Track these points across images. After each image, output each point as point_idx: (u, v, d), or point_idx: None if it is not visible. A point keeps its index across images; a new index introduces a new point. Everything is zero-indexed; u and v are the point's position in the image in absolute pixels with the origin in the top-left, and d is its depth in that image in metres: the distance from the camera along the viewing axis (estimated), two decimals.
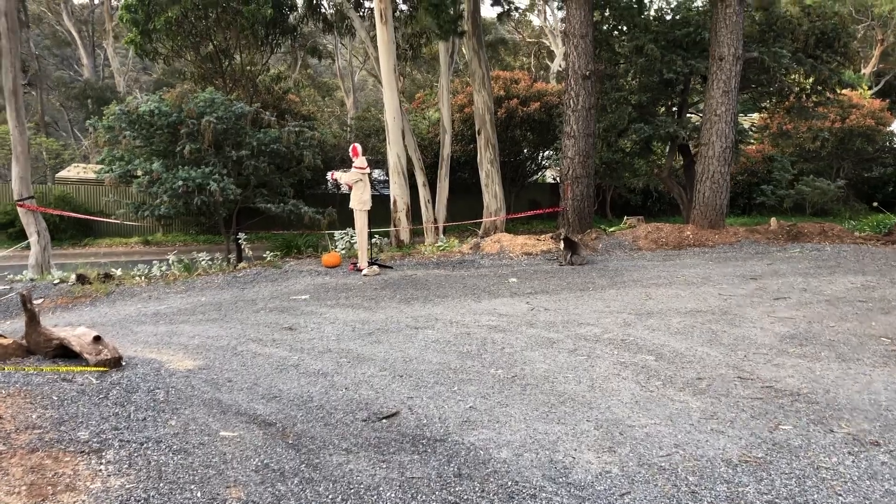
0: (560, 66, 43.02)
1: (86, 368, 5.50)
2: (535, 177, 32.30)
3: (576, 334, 6.64)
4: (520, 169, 29.83)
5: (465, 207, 22.46)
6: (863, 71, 35.62)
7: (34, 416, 4.29)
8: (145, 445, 3.85)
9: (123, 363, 5.89)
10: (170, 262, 12.49)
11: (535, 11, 48.37)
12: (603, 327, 6.93)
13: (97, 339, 5.83)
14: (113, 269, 12.19)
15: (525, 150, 29.32)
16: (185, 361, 6.09)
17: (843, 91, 18.31)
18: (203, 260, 12.38)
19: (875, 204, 18.02)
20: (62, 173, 29.43)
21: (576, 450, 3.76)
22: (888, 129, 26.77)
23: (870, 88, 31.05)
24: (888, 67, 40.09)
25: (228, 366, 5.84)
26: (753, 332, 6.65)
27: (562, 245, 11.49)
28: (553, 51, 47.31)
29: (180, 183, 11.91)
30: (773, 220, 14.09)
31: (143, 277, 11.68)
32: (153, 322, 8.12)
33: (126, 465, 3.57)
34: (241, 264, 12.38)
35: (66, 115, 44.25)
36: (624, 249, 12.68)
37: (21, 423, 4.15)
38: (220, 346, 6.63)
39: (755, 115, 25.44)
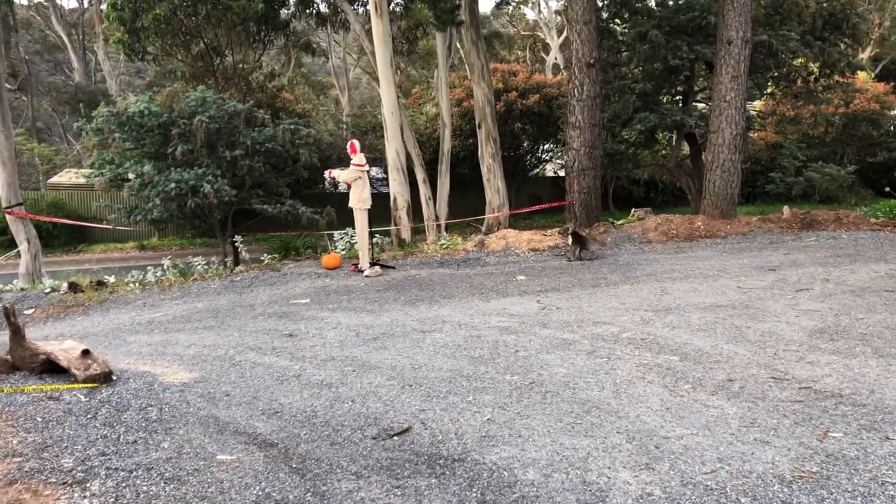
0: (556, 58, 42.78)
1: (73, 386, 5.19)
2: (535, 171, 31.97)
3: (592, 334, 6.32)
4: (520, 163, 29.52)
5: (466, 204, 22.14)
6: (861, 55, 35.29)
7: (15, 442, 3.98)
8: (134, 474, 3.53)
9: (114, 377, 5.59)
10: (164, 267, 12.15)
11: (530, 4, 48.12)
12: (620, 326, 6.61)
13: (86, 352, 5.51)
14: (106, 276, 11.85)
15: (525, 144, 29.01)
16: (180, 374, 5.78)
17: (853, 75, 17.98)
18: (199, 264, 12.04)
19: (888, 189, 17.69)
20: (54, 179, 29.10)
21: (609, 468, 3.43)
22: (893, 112, 26.46)
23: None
24: (885, 52, 39.78)
25: (226, 378, 5.53)
26: (779, 326, 6.33)
27: (570, 240, 11.17)
28: (548, 44, 47.03)
29: (173, 185, 11.59)
30: (785, 208, 13.76)
31: (137, 284, 11.35)
32: (147, 331, 7.80)
33: (112, 499, 3.25)
34: (239, 268, 12.06)
35: (59, 120, 43.91)
36: (634, 243, 12.35)
37: (0, 449, 3.83)
38: (217, 355, 6.32)
39: (756, 102, 25.12)
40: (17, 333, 5.73)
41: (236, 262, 13.42)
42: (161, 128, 12.37)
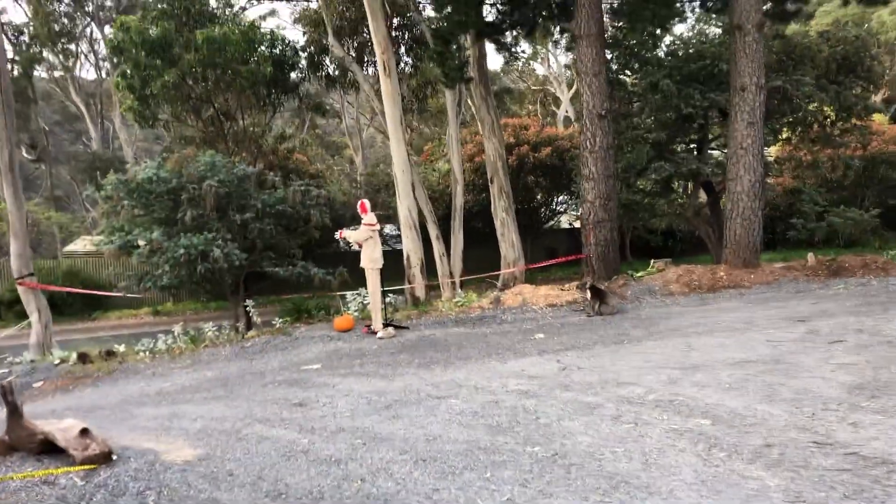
0: (566, 111, 43.13)
1: (70, 469, 4.94)
2: (550, 223, 31.88)
3: (617, 396, 6.01)
4: (534, 216, 29.45)
5: (480, 259, 21.93)
6: (873, 98, 35.26)
7: None
8: None
9: (114, 457, 5.34)
10: (175, 334, 11.97)
11: (539, 59, 48.87)
12: (646, 386, 6.29)
13: (84, 431, 5.28)
14: (116, 346, 11.69)
15: (538, 197, 28.99)
16: (184, 451, 5.52)
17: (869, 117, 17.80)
18: (210, 330, 11.86)
19: None
20: (69, 247, 29.34)
21: None
22: None
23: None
24: None
25: (231, 454, 5.26)
26: (815, 383, 5.99)
27: (588, 294, 10.89)
28: (559, 97, 47.56)
29: (182, 251, 11.51)
30: (810, 255, 13.44)
31: (147, 353, 11.17)
32: (155, 402, 7.57)
33: None
34: (250, 333, 11.86)
35: (77, 188, 44.57)
36: (655, 295, 12.04)
37: None
38: (224, 429, 6.06)
39: (772, 148, 24.97)
40: (14, 413, 5.52)
41: (248, 326, 13.23)
42: (170, 193, 12.36)
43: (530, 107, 48.43)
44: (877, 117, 26.93)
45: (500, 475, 4.25)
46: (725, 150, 17.20)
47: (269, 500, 4.18)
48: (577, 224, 32.44)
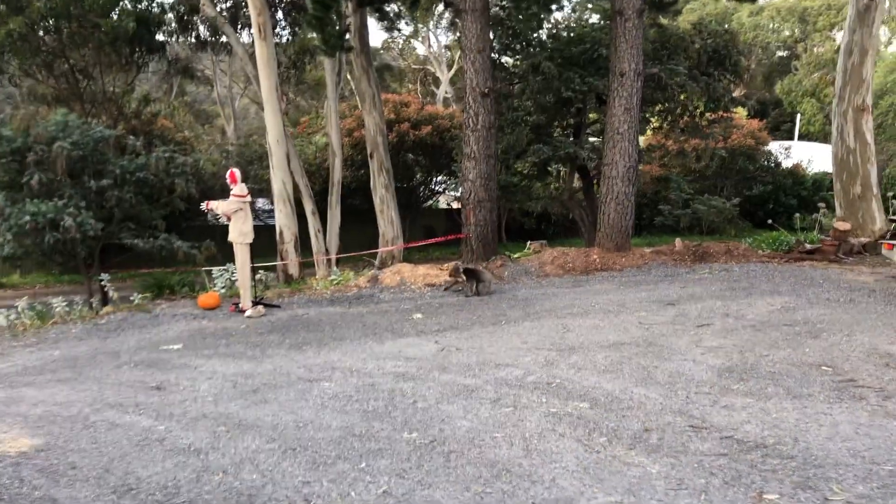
0: (446, 92, 43.16)
1: None
2: (429, 202, 31.81)
3: (496, 378, 5.90)
4: (413, 195, 29.26)
5: (358, 237, 21.51)
6: (736, 93, 37.56)
7: None
8: None
9: None
10: (19, 309, 10.87)
11: (420, 38, 48.63)
12: (524, 368, 6.23)
13: None
14: None
15: (418, 175, 28.81)
16: (21, 440, 4.95)
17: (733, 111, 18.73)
18: (59, 306, 10.86)
19: (769, 221, 18.43)
20: None
21: None
22: (766, 148, 27.98)
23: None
24: (752, 91, 42.50)
25: (75, 444, 4.75)
26: (686, 366, 6.12)
27: (463, 277, 10.76)
28: (438, 77, 47.51)
29: (28, 218, 10.43)
30: (677, 240, 13.97)
31: None
32: None
33: None
34: (105, 309, 10.97)
35: None
36: (531, 276, 12.13)
37: None
38: (70, 415, 5.49)
39: (641, 137, 25.95)
40: None
41: (104, 302, 12.26)
42: (15, 154, 11.18)
43: (410, 86, 48.09)
44: (738, 111, 28.57)
45: (376, 465, 4.01)
46: (601, 136, 17.66)
47: (117, 496, 3.76)
48: (456, 204, 32.58)
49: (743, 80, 23.04)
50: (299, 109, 39.91)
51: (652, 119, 18.26)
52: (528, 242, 14.45)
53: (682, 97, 15.84)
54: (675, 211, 19.72)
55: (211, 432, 4.82)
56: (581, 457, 4.03)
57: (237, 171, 10.12)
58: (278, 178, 14.81)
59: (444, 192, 31.85)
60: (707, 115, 17.09)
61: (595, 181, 17.29)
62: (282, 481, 3.83)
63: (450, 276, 11.25)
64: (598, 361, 6.38)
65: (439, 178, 30.33)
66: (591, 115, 17.69)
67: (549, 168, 17.95)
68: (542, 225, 30.60)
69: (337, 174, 17.31)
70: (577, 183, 18.30)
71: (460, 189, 13.29)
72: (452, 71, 43.41)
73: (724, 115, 17.16)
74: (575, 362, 6.39)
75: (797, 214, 16.49)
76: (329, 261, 16.40)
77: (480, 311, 9.42)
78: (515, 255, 13.34)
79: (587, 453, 4.08)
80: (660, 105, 16.99)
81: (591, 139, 18.24)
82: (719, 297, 9.53)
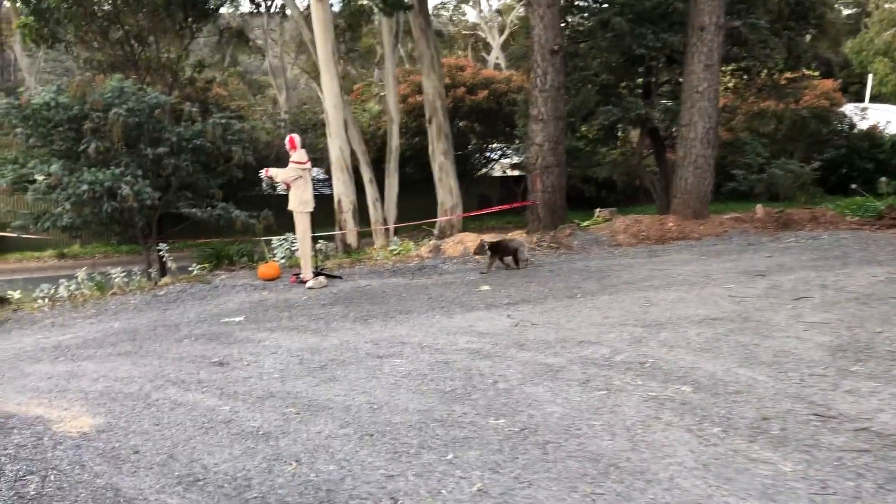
0: (497, 58, 42.23)
1: None
2: (483, 170, 31.26)
3: (580, 357, 5.48)
4: (467, 163, 28.74)
5: (413, 206, 21.17)
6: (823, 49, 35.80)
7: None
8: None
9: None
10: (79, 279, 10.84)
11: (471, 2, 47.79)
12: (610, 346, 5.78)
13: None
14: (11, 292, 10.56)
15: (473, 142, 28.27)
16: (82, 419, 4.75)
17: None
18: (118, 276, 10.78)
19: (854, 186, 17.45)
20: None
21: None
22: (840, 109, 26.61)
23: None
24: (817, 51, 40.48)
25: (137, 425, 4.52)
26: (791, 343, 5.59)
27: (488, 253, 10.04)
28: (489, 43, 46.58)
29: (85, 187, 10.32)
30: (758, 206, 13.22)
31: (46, 300, 10.09)
32: (52, 358, 6.69)
33: None
34: (164, 280, 10.88)
35: None
36: (602, 246, 11.59)
37: None
38: (130, 392, 5.28)
39: None
40: None
41: (162, 272, 12.19)
42: (71, 122, 11.08)
43: (460, 52, 47.36)
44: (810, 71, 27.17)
45: (465, 456, 3.64)
46: (672, 97, 16.85)
47: (183, 488, 3.48)
48: (511, 172, 31.97)
49: (829, 35, 21.63)
50: (349, 79, 39.63)
51: (724, 78, 17.32)
52: (597, 210, 13.87)
53: (762, 54, 14.89)
54: (749, 176, 18.82)
55: (280, 414, 4.53)
56: (696, 450, 3.59)
57: (297, 137, 9.78)
58: (336, 145, 14.49)
59: (500, 159, 31.24)
60: (787, 73, 16.12)
61: (666, 145, 16.56)
62: (361, 474, 3.49)
63: (475, 254, 10.60)
64: (692, 338, 5.90)
65: (495, 144, 29.76)
66: (662, 75, 16.84)
67: (616, 131, 17.25)
68: (602, 192, 29.80)
69: (395, 140, 16.91)
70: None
71: (526, 154, 12.73)
72: (503, 36, 42.46)
73: (805, 73, 16.14)
74: (665, 339, 5.92)
75: (883, 179, 15.52)
76: (387, 230, 16.10)
77: (552, 283, 8.97)
78: (585, 224, 12.79)
79: (702, 446, 3.64)
80: (734, 64, 16.05)
81: (662, 101, 17.42)
82: (812, 268, 8.89)
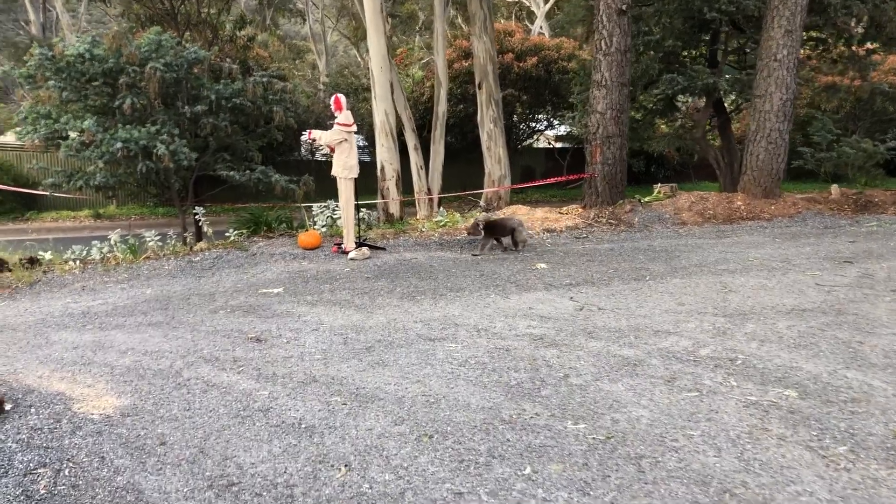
0: (541, 27, 41.01)
1: None
2: (528, 141, 30.51)
3: (659, 350, 4.92)
4: (511, 133, 28.05)
5: (453, 176, 20.57)
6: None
7: None
8: None
9: (8, 407, 4.17)
10: (112, 242, 10.51)
11: None
12: (691, 337, 5.21)
13: None
14: (42, 253, 10.27)
15: (518, 111, 27.51)
16: (105, 398, 4.34)
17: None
18: (151, 240, 10.42)
19: None
20: (0, 139, 27.14)
21: None
22: None
23: None
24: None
25: (166, 409, 4.09)
26: None
27: (482, 233, 9.36)
28: (533, 11, 45.38)
29: (119, 145, 9.93)
30: (833, 186, 12.43)
31: (77, 262, 9.77)
32: (79, 326, 6.32)
33: None
34: (199, 245, 10.50)
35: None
36: (665, 224, 10.94)
37: None
38: (160, 369, 4.87)
39: None
40: None
41: (198, 237, 11.83)
42: (107, 76, 10.67)
43: (503, 21, 46.32)
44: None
45: (545, 472, 3.11)
46: (738, 66, 15.95)
47: (214, 494, 3.01)
48: (557, 144, 31.14)
49: None
50: (390, 45, 39.07)
51: (807, 49, 16.30)
52: (656, 185, 13.15)
53: (843, 21, 13.89)
54: (817, 154, 17.84)
55: (324, 403, 4.06)
56: (826, 476, 3.02)
57: (342, 97, 9.25)
58: (380, 109, 13.92)
59: (546, 129, 30.42)
60: (868, 43, 15.07)
61: (731, 117, 15.70)
62: (424, 488, 2.99)
63: (468, 234, 9.83)
64: (783, 332, 5.30)
65: (540, 115, 28.97)
66: (730, 42, 15.90)
67: (677, 102, 16.40)
68: (651, 167, 28.90)
69: (442, 106, 16.27)
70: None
71: (587, 121, 11.99)
72: (548, 5, 41.24)
73: (870, 47, 15.04)
74: (753, 332, 5.32)
75: None
76: (431, 200, 15.56)
77: (615, 263, 8.38)
78: (646, 200, 12.10)
79: (832, 471, 3.07)
80: (809, 32, 15.04)
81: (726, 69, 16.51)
82: None
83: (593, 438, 3.44)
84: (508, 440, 3.44)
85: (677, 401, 3.95)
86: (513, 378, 4.40)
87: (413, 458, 3.28)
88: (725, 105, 15.47)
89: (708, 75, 13.95)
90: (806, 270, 7.57)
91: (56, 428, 3.82)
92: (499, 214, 10.39)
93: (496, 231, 9.42)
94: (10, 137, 26.43)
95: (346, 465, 3.22)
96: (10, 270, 9.20)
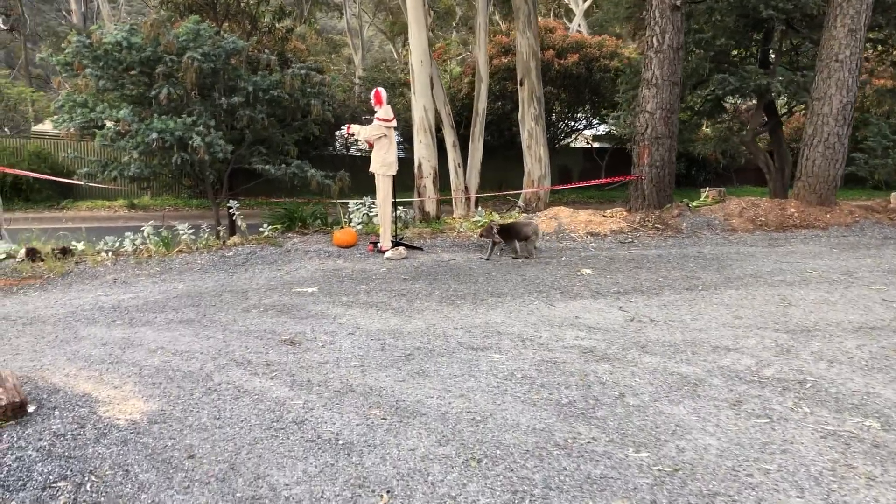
0: (579, 25, 40.47)
1: None
2: (566, 141, 30.11)
3: (720, 368, 4.60)
4: (549, 131, 27.71)
5: (490, 175, 20.25)
6: None
7: None
8: None
9: (30, 409, 3.98)
10: (145, 233, 10.40)
11: None
12: (752, 355, 4.88)
13: None
14: (75, 243, 10.20)
15: (557, 110, 27.14)
16: (132, 402, 4.15)
17: None
18: (185, 233, 10.29)
19: None
20: (39, 126, 27.45)
21: None
22: None
23: None
24: None
25: (195, 416, 3.88)
26: None
27: (499, 238, 8.99)
28: (572, 9, 44.86)
29: (155, 136, 9.82)
30: (893, 195, 11.91)
31: (109, 254, 9.67)
32: (108, 321, 6.17)
33: None
34: (233, 239, 10.35)
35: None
36: (714, 230, 10.55)
37: None
38: (190, 371, 4.67)
39: None
40: None
41: (231, 231, 11.70)
42: (144, 65, 10.57)
43: (541, 19, 45.90)
44: None
45: None
46: (791, 67, 15.43)
47: None
48: (595, 144, 30.66)
49: None
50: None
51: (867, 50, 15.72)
52: (704, 189, 12.72)
53: None
54: (871, 160, 17.23)
55: (362, 416, 3.81)
56: None
57: (383, 91, 9.02)
58: (420, 105, 13.67)
59: (584, 129, 29.97)
60: None
61: (783, 121, 15.20)
62: None
63: (481, 236, 9.44)
64: (852, 352, 4.95)
65: (579, 114, 28.56)
66: (785, 43, 15.39)
67: (725, 104, 15.93)
68: (692, 170, 28.35)
69: (482, 102, 15.96)
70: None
71: (637, 120, 11.60)
72: (587, 3, 40.69)
73: None
74: (820, 351, 4.98)
75: None
76: (468, 199, 15.29)
77: (665, 270, 8.04)
78: (694, 204, 11.70)
79: None
80: (881, 31, 14.46)
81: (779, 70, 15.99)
82: None
83: (659, 470, 3.15)
84: (565, 469, 3.16)
85: (746, 428, 3.64)
86: (564, 395, 4.11)
87: (461, 486, 3.02)
88: (777, 107, 14.94)
89: (761, 76, 13.48)
90: (870, 284, 7.17)
91: (80, 434, 3.63)
92: (519, 218, 10.04)
93: (511, 235, 9.10)
94: (47, 125, 26.70)
95: (387, 492, 2.97)
96: (42, 260, 9.13)
